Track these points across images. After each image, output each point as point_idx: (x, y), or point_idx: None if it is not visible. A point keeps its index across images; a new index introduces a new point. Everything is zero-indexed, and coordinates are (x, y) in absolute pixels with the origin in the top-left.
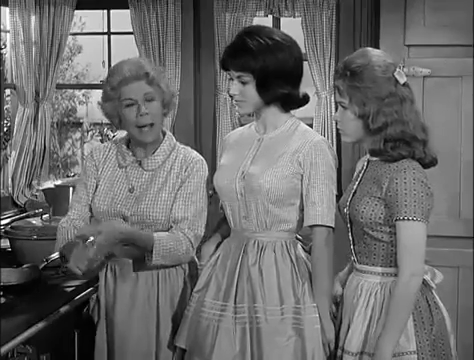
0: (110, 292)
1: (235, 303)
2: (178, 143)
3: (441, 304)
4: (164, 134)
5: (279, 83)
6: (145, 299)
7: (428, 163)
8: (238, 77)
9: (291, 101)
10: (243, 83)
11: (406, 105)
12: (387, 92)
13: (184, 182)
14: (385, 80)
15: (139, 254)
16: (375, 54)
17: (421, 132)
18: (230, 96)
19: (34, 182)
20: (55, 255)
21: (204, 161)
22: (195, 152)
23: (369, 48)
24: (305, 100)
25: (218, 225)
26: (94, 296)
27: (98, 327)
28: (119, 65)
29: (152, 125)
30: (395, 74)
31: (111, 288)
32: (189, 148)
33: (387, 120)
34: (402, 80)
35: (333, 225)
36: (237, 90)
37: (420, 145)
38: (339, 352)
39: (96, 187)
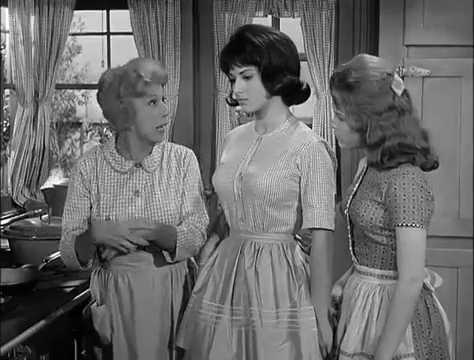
0: (126, 301)
1: (232, 305)
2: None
3: (440, 308)
4: None
5: (283, 72)
6: (162, 302)
7: (429, 167)
8: (241, 73)
9: (295, 91)
10: (247, 78)
11: (404, 117)
12: (385, 106)
13: (185, 176)
14: (382, 94)
15: (152, 255)
16: (372, 66)
17: (422, 141)
18: (228, 101)
19: (33, 182)
20: (55, 255)
21: (193, 152)
22: (182, 146)
23: (366, 56)
24: (307, 92)
25: (215, 224)
26: (98, 311)
27: (114, 338)
28: (142, 63)
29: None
30: (392, 86)
31: (126, 297)
32: (174, 144)
33: (385, 134)
34: (400, 91)
35: (332, 228)
36: (241, 87)
37: (420, 153)
38: (335, 352)
39: (91, 205)
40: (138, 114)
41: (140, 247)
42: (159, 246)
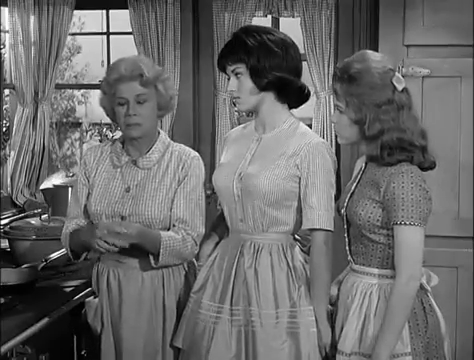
0: (115, 297)
1: (231, 305)
2: (172, 141)
3: (436, 307)
4: (158, 133)
5: (273, 70)
6: (152, 301)
7: (427, 167)
8: (233, 71)
9: (288, 88)
10: (237, 75)
11: (404, 112)
12: (384, 99)
13: (183, 180)
14: (383, 87)
15: (144, 254)
16: (374, 59)
17: (420, 138)
18: (234, 102)
19: (32, 182)
20: (55, 255)
21: (200, 157)
22: (190, 149)
23: (369, 51)
24: (304, 92)
25: (215, 224)
26: (92, 304)
27: (103, 333)
28: (118, 62)
29: (139, 125)
30: (393, 80)
31: (115, 293)
32: (183, 145)
33: (383, 127)
34: (400, 87)
35: (332, 228)
36: (234, 85)
37: (419, 151)
38: (332, 351)
39: (88, 194)
40: (115, 112)
41: (124, 248)
42: (143, 249)
